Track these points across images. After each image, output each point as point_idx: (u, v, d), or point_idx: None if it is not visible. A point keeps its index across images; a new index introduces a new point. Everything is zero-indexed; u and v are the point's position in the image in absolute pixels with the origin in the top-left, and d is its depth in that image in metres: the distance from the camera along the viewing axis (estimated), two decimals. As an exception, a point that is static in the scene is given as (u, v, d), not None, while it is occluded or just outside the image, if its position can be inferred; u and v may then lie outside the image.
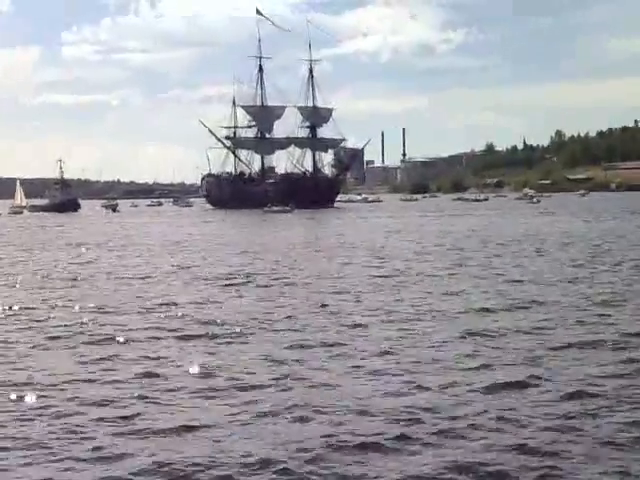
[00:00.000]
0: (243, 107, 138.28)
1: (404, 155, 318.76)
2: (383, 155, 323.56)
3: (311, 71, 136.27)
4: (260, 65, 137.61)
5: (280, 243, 45.35)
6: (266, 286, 24.72)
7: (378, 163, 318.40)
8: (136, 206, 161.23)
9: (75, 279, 27.67)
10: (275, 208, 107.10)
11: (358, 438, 9.38)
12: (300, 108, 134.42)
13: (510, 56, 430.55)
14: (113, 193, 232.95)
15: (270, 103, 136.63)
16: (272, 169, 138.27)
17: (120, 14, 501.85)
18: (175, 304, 20.65)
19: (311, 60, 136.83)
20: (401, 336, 15.54)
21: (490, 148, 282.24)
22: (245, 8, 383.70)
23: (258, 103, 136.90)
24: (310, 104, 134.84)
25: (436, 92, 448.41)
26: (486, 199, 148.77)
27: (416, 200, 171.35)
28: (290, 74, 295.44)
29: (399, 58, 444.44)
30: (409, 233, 53.96)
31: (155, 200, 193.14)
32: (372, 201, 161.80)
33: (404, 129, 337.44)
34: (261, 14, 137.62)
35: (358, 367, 12.96)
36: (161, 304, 20.70)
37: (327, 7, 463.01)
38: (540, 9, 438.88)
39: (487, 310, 18.61)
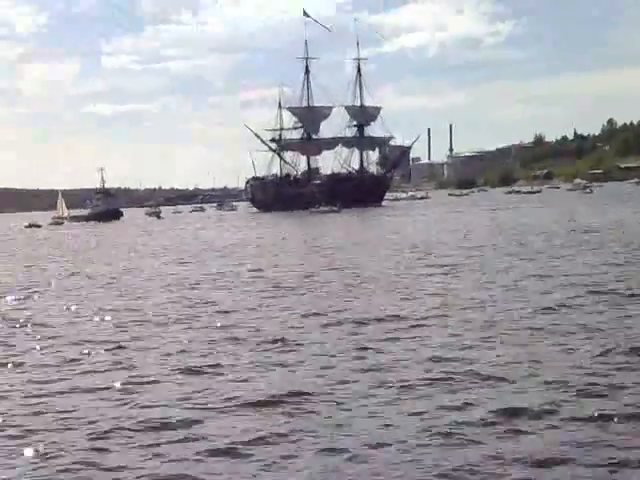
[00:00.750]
0: (289, 109, 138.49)
1: (451, 150, 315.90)
2: (429, 151, 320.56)
3: (359, 69, 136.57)
4: (307, 66, 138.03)
5: (339, 243, 43.33)
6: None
7: (424, 160, 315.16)
8: (180, 212, 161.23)
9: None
10: (322, 208, 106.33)
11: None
12: (347, 107, 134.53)
13: (558, 45, 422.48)
14: (154, 200, 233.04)
15: (317, 104, 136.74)
16: (317, 170, 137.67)
17: (161, 22, 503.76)
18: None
19: (359, 59, 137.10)
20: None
21: (539, 139, 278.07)
22: (286, 11, 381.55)
23: (304, 104, 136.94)
24: (357, 103, 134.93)
25: (483, 85, 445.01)
26: (539, 191, 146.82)
27: (467, 195, 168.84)
28: (335, 74, 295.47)
29: (446, 53, 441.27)
30: (471, 229, 50.85)
31: (198, 205, 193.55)
32: (420, 198, 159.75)
33: (451, 125, 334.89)
34: (308, 15, 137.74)
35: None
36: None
37: (371, 6, 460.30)
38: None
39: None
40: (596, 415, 9.33)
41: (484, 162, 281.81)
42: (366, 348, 13.94)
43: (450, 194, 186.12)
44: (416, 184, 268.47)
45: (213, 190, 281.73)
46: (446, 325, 15.86)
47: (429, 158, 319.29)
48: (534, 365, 11.94)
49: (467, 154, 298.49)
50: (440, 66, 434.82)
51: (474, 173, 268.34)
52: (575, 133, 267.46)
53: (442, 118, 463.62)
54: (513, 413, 9.65)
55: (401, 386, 11.12)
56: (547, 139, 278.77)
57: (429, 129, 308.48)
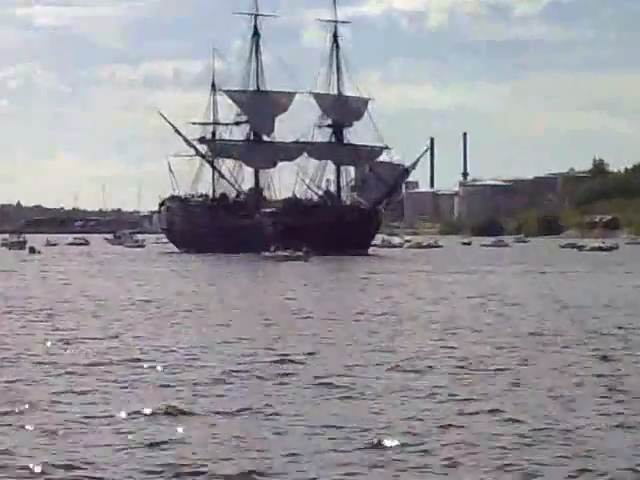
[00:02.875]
0: (227, 92, 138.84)
1: (465, 175, 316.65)
2: (432, 174, 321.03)
3: (335, 39, 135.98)
4: (255, 26, 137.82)
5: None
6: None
7: (424, 187, 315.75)
8: (54, 244, 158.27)
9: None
10: (280, 254, 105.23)
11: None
12: (318, 96, 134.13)
13: (630, 25, 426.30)
14: (10, 225, 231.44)
15: (270, 87, 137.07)
16: (261, 190, 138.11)
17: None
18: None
19: (336, 22, 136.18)
20: None
21: (599, 167, 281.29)
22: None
23: (252, 87, 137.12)
24: (333, 91, 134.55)
25: (512, 78, 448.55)
26: (615, 247, 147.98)
27: (505, 246, 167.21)
28: (297, 43, 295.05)
29: (455, 24, 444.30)
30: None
31: (79, 236, 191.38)
32: (427, 246, 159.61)
33: (465, 134, 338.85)
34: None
35: None
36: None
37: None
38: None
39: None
40: None
41: (515, 197, 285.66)
42: None
43: (464, 243, 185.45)
44: (411, 222, 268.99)
45: (102, 212, 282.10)
46: None
47: (432, 185, 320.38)
48: None
49: (490, 182, 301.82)
50: (449, 43, 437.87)
51: (499, 212, 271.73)
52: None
53: (452, 124, 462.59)
54: None
55: None
56: (612, 168, 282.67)
57: (432, 140, 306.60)
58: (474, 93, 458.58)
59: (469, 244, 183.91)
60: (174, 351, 31.07)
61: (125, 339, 34.41)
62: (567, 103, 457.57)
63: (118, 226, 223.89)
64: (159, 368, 27.15)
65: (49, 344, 32.55)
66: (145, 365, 27.75)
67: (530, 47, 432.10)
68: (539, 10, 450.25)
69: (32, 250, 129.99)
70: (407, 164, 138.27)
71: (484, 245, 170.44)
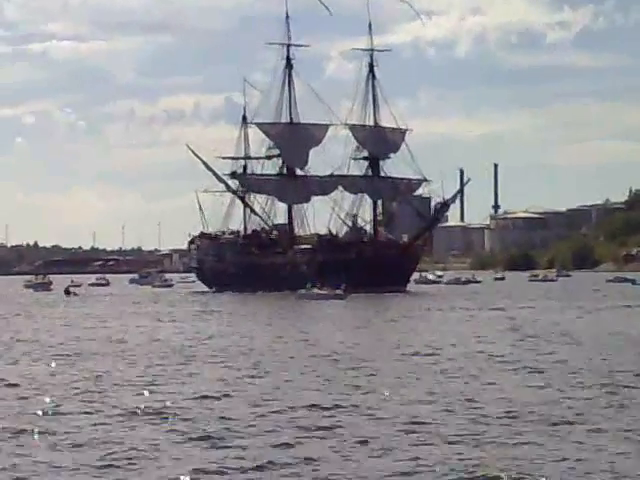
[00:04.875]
0: (259, 125, 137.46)
1: (496, 208, 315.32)
2: (462, 207, 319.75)
3: (371, 68, 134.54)
4: (288, 57, 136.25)
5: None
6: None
7: (453, 220, 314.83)
8: (78, 285, 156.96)
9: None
10: (317, 292, 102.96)
11: None
12: (354, 128, 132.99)
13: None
14: (26, 264, 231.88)
15: (303, 119, 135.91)
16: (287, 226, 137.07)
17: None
18: None
19: (372, 50, 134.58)
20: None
21: (635, 199, 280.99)
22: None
23: (284, 119, 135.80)
24: (370, 122, 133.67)
25: (545, 107, 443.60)
26: None
27: (551, 281, 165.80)
28: (331, 73, 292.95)
29: (485, 52, 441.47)
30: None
31: (100, 276, 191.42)
32: (465, 282, 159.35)
33: (496, 165, 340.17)
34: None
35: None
36: None
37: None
38: None
39: None
40: None
41: (548, 230, 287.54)
42: None
43: (498, 278, 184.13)
44: (440, 257, 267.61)
45: (121, 252, 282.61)
46: None
47: (462, 218, 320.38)
48: None
49: (522, 215, 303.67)
50: (478, 72, 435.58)
51: (532, 246, 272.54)
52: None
53: (481, 155, 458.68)
54: None
55: None
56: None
57: (462, 171, 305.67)
58: (504, 123, 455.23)
59: (503, 279, 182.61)
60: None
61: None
62: (600, 132, 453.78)
63: (138, 265, 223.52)
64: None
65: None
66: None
67: (562, 75, 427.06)
68: (570, 37, 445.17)
69: (67, 292, 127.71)
70: (438, 197, 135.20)
71: (532, 280, 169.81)
